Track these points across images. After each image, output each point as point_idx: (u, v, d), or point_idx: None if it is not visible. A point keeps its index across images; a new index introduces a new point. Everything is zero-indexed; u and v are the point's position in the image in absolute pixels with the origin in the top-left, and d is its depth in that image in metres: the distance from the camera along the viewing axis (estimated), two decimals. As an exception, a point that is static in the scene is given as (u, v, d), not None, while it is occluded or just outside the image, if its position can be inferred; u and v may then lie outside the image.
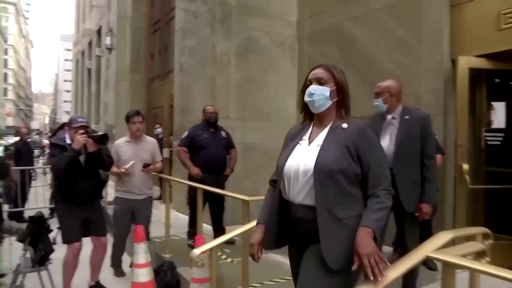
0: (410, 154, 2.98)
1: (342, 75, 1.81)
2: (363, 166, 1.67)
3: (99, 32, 16.13)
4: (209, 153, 4.63)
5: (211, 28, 6.49)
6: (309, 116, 1.86)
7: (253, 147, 5.99)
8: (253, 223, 2.76)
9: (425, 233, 3.49)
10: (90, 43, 18.68)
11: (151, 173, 4.42)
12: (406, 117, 3.05)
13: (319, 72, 1.79)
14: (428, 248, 1.65)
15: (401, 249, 3.19)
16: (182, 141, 4.78)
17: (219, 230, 4.70)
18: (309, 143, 1.78)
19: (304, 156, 1.73)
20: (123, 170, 4.13)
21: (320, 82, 1.77)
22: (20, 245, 3.63)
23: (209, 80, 6.38)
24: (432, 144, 3.08)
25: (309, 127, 1.84)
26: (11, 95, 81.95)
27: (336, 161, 1.63)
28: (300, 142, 1.81)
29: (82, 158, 3.63)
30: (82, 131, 3.55)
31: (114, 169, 4.09)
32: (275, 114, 6.29)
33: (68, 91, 61.57)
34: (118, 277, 4.37)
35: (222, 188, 4.55)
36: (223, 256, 4.38)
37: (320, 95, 1.75)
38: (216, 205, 4.72)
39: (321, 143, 1.72)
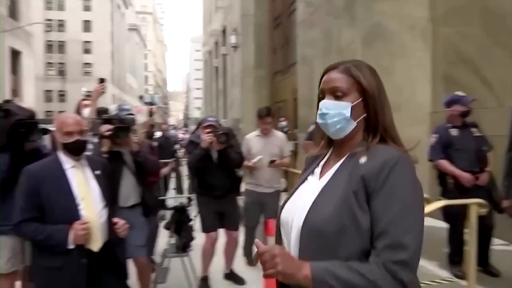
0: None
1: (371, 77, 1.17)
2: (372, 224, 1.05)
3: (224, 32, 17.09)
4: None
5: (334, 18, 6.33)
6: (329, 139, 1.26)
7: (382, 140, 5.68)
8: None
9: None
10: (216, 43, 19.94)
11: (279, 167, 4.49)
12: None
13: (334, 77, 1.17)
14: None
15: None
16: (309, 135, 4.76)
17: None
18: (319, 179, 1.22)
19: (302, 202, 1.16)
20: (250, 164, 4.27)
21: (336, 94, 1.15)
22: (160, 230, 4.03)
23: (334, 71, 6.22)
24: None
25: (326, 155, 1.27)
26: (151, 93, 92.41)
27: (333, 219, 1.05)
28: (310, 175, 1.26)
29: (215, 155, 3.85)
30: (208, 130, 3.77)
31: (244, 162, 4.26)
32: (406, 104, 5.85)
33: (198, 89, 67.01)
34: (250, 266, 4.56)
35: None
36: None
37: (336, 115, 1.14)
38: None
39: (324, 185, 1.16)
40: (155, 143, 8.51)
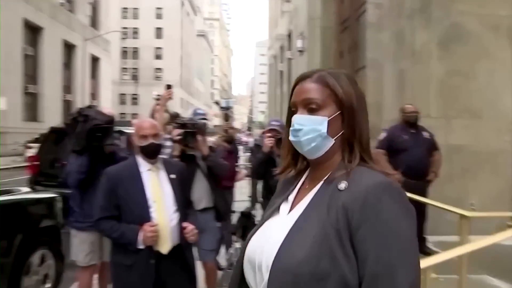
0: None
1: (350, 87, 1.00)
2: (358, 264, 0.86)
3: (289, 36, 17.09)
4: (410, 156, 4.28)
5: (407, 19, 6.03)
6: (299, 160, 1.08)
7: (459, 149, 5.29)
8: (476, 242, 2.38)
9: None
10: (281, 47, 19.99)
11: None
12: None
13: (307, 88, 1.00)
14: None
15: None
16: (379, 143, 4.56)
17: (420, 240, 4.32)
18: (290, 210, 1.02)
19: (272, 239, 0.96)
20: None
21: (310, 107, 0.98)
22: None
23: (406, 75, 5.93)
24: None
25: (301, 178, 1.07)
26: (217, 98, 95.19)
27: (308, 262, 0.87)
28: (283, 203, 1.05)
29: (279, 160, 3.81)
30: (269, 134, 3.72)
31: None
32: (488, 110, 5.42)
33: (262, 93, 67.72)
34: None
35: (423, 195, 4.16)
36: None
37: (310, 132, 0.97)
38: (417, 213, 4.34)
39: (297, 218, 0.97)
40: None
